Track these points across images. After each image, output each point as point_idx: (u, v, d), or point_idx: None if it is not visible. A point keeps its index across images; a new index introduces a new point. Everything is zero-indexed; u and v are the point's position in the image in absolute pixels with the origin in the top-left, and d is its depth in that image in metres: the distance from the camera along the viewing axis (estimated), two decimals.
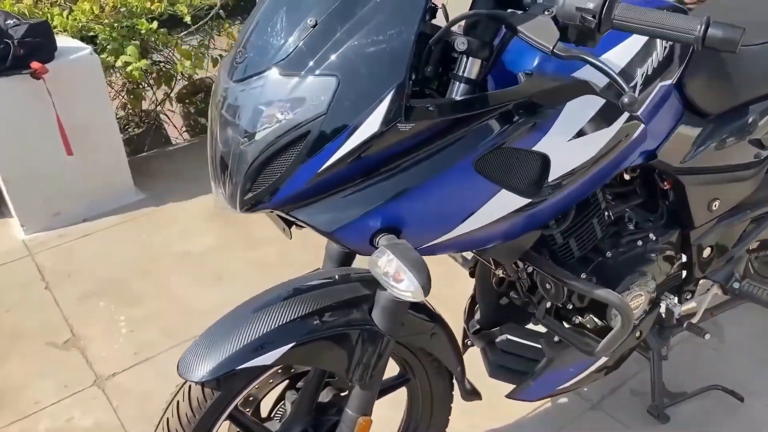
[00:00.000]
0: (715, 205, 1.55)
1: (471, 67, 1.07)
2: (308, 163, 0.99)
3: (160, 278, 2.65)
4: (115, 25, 3.29)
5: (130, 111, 3.82)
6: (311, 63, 0.98)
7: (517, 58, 1.13)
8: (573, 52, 0.98)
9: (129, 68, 3.22)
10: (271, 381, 1.38)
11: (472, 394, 1.51)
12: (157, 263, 2.75)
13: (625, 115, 1.19)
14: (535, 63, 1.12)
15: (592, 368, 1.57)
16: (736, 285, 1.64)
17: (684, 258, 1.61)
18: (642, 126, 1.24)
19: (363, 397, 1.27)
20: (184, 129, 4.10)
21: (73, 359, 2.26)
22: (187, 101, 4.00)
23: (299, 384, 1.41)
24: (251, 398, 1.38)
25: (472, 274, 1.62)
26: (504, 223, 1.14)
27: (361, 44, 0.97)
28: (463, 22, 1.10)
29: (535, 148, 1.11)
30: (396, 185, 1.04)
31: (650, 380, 1.81)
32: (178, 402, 1.21)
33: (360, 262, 1.38)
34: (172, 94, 3.90)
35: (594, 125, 1.15)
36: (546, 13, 1.00)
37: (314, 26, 0.99)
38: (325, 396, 1.42)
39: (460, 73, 1.07)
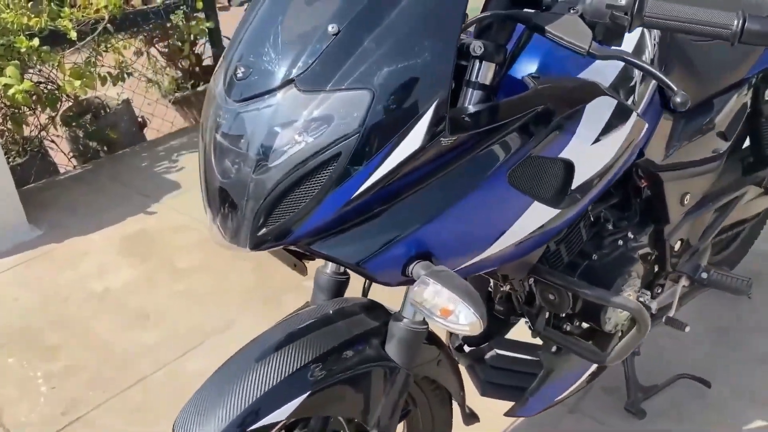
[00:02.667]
0: (687, 199, 1.56)
1: (485, 73, 0.99)
2: (339, 189, 0.87)
3: (77, 323, 2.37)
4: None
5: (9, 138, 3.43)
6: (337, 76, 0.86)
7: (519, 61, 1.07)
8: (611, 51, 0.93)
9: (11, 91, 2.88)
10: None
11: (471, 417, 1.43)
12: (70, 306, 2.46)
13: (634, 115, 1.16)
14: (537, 67, 1.07)
15: (586, 375, 1.54)
16: (704, 275, 1.67)
17: (656, 253, 1.62)
18: (646, 125, 1.21)
19: None
20: (72, 155, 3.74)
21: None
22: (74, 124, 3.65)
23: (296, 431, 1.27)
24: None
25: None
26: (531, 239, 1.07)
27: (396, 52, 0.86)
28: (473, 26, 1.02)
29: (561, 155, 1.04)
30: (428, 207, 0.94)
31: (624, 377, 1.81)
32: None
33: (351, 292, 1.28)
34: (57, 118, 3.55)
35: (610, 127, 1.11)
36: (571, 11, 0.94)
37: (336, 34, 0.86)
38: None
39: (474, 79, 0.99)
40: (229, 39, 3.75)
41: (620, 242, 1.48)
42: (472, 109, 0.96)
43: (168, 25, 3.74)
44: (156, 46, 3.95)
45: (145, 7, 3.62)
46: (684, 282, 1.73)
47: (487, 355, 1.54)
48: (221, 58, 0.99)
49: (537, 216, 1.04)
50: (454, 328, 0.91)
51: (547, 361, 1.45)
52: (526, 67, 1.09)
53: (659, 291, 1.69)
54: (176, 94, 4.03)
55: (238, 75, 0.91)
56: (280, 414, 1.02)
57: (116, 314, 2.41)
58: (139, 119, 3.98)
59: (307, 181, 0.87)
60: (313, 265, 1.24)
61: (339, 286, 1.25)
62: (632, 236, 1.51)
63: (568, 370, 1.49)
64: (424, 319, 1.10)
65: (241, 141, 0.90)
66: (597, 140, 1.08)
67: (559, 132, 1.03)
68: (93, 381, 2.11)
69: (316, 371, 1.05)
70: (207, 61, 4.11)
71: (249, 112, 0.89)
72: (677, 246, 1.64)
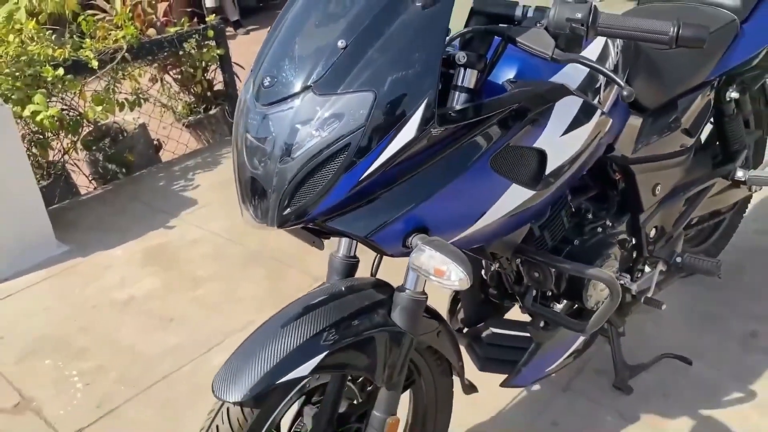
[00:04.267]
0: (658, 189, 1.74)
1: (469, 78, 1.18)
2: (349, 174, 1.06)
3: (105, 328, 2.56)
4: (17, 74, 3.17)
5: (34, 162, 3.64)
6: (346, 82, 1.06)
7: (500, 68, 1.26)
8: (569, 56, 1.12)
9: (39, 117, 3.10)
10: (290, 398, 1.40)
11: (471, 387, 1.60)
12: (98, 313, 2.65)
13: (598, 112, 1.35)
14: (515, 73, 1.26)
15: (572, 348, 1.71)
16: (678, 259, 1.85)
17: (633, 240, 1.80)
18: (611, 121, 1.40)
19: (389, 398, 1.33)
20: (92, 177, 3.95)
21: (30, 422, 2.13)
22: (94, 148, 3.87)
23: (314, 399, 1.45)
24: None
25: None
26: (511, 217, 1.26)
27: (393, 60, 1.06)
28: (458, 39, 1.22)
29: (535, 145, 1.23)
30: (424, 188, 1.13)
31: (611, 357, 1.98)
32: (217, 426, 1.21)
33: (361, 273, 1.46)
34: (78, 142, 3.77)
35: (577, 122, 1.30)
36: (538, 25, 1.14)
37: (344, 48, 1.06)
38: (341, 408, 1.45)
39: (460, 83, 1.18)
40: (238, 65, 3.98)
41: (599, 229, 1.66)
42: (458, 107, 1.15)
43: (181, 53, 3.97)
44: (170, 73, 4.18)
45: (160, 36, 3.85)
46: (661, 266, 1.90)
47: (483, 334, 1.71)
48: (249, 72, 1.19)
49: (516, 196, 1.23)
50: (447, 284, 1.09)
51: (536, 336, 1.63)
52: (506, 73, 1.29)
53: (639, 275, 1.87)
54: (189, 118, 4.25)
55: (265, 84, 1.11)
56: (304, 370, 1.19)
57: (141, 318, 2.59)
58: (155, 142, 4.20)
59: (322, 168, 1.07)
60: (326, 252, 1.42)
61: (350, 268, 1.43)
62: (610, 224, 1.69)
63: (557, 343, 1.66)
64: (423, 290, 1.29)
65: (269, 138, 1.09)
66: (566, 132, 1.28)
67: (533, 125, 1.22)
68: (123, 378, 2.28)
69: (332, 335, 1.23)
70: (218, 86, 4.34)
71: (275, 113, 1.09)
72: (652, 233, 1.82)
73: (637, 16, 1.90)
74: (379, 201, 1.11)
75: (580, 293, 1.57)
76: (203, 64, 4.11)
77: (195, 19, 4.35)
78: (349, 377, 1.43)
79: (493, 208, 1.21)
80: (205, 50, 4.03)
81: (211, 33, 3.99)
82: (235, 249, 3.01)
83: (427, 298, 1.30)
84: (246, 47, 4.43)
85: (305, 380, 1.31)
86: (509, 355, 1.68)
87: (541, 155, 1.25)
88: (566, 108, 1.28)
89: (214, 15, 4.33)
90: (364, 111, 1.05)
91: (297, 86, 1.08)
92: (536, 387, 2.04)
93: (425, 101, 1.06)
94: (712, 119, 1.98)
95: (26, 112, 3.10)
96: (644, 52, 1.62)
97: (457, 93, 1.19)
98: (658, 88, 1.66)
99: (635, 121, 1.59)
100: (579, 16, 1.10)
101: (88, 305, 2.70)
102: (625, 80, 1.51)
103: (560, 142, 1.28)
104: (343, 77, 1.06)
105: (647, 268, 1.88)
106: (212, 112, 4.27)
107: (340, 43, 1.07)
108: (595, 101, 1.37)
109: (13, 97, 3.10)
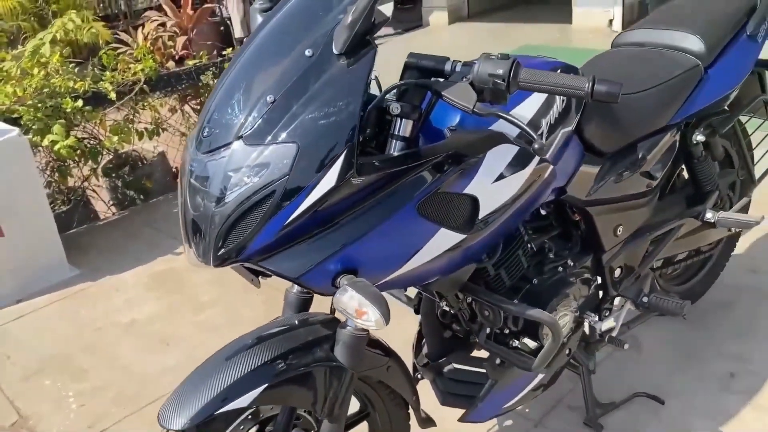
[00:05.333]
0: (620, 230, 1.78)
1: (405, 127, 1.25)
2: (275, 218, 1.14)
3: (106, 349, 2.67)
4: (39, 105, 3.35)
5: (56, 188, 3.82)
6: (273, 133, 1.14)
7: (442, 117, 1.33)
8: (489, 110, 1.19)
9: (56, 147, 3.27)
10: (241, 427, 1.47)
11: (427, 421, 1.65)
12: (101, 335, 2.77)
13: (536, 158, 1.40)
14: (458, 120, 1.33)
15: (531, 385, 1.74)
16: (645, 299, 1.87)
17: (599, 279, 1.83)
18: (551, 167, 1.45)
19: (333, 430, 1.39)
20: (111, 203, 4.12)
21: None
22: (113, 175, 4.04)
23: (268, 428, 1.51)
24: None
25: (417, 311, 1.77)
26: (444, 258, 1.31)
27: (316, 115, 1.14)
28: (394, 91, 1.29)
29: (465, 191, 1.29)
30: (352, 231, 1.20)
31: (582, 394, 1.99)
32: None
33: (316, 308, 1.53)
34: (98, 170, 3.94)
35: (511, 169, 1.35)
36: (464, 79, 1.21)
37: (273, 102, 1.15)
38: None
39: (396, 132, 1.25)
40: None
41: (560, 268, 1.70)
42: (381, 156, 1.22)
43: (199, 84, 4.13)
44: (188, 103, 4.34)
45: (178, 69, 4.02)
46: (629, 306, 1.92)
47: (445, 369, 1.76)
48: (198, 120, 1.28)
49: (445, 240, 1.29)
50: (367, 325, 1.16)
51: (492, 372, 1.66)
52: (449, 121, 1.35)
53: (607, 314, 1.89)
54: None
55: (205, 133, 1.20)
56: (243, 401, 1.26)
57: (141, 341, 2.70)
58: (174, 170, 4.35)
59: (252, 212, 1.15)
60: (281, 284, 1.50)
61: (304, 303, 1.50)
62: (572, 263, 1.72)
63: (514, 380, 1.69)
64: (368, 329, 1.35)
65: (206, 183, 1.18)
66: (498, 179, 1.33)
67: (463, 172, 1.28)
68: (117, 398, 2.38)
69: (274, 368, 1.30)
70: None
71: (211, 161, 1.18)
72: (617, 272, 1.85)
73: (601, 61, 1.97)
74: (310, 242, 1.18)
75: (536, 331, 1.61)
76: None
77: (215, 52, 4.51)
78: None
79: (423, 250, 1.27)
80: None
81: (227, 65, 4.12)
82: (236, 275, 3.10)
83: (368, 334, 1.36)
84: None
85: (248, 411, 1.37)
86: (468, 390, 1.72)
87: (473, 201, 1.31)
88: (500, 155, 1.33)
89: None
90: (288, 161, 1.13)
91: (231, 136, 1.17)
92: (508, 422, 2.07)
93: (344, 153, 1.13)
94: (683, 162, 2.01)
95: (45, 142, 3.27)
96: None
97: (394, 141, 1.25)
98: (616, 132, 1.70)
99: (590, 167, 1.64)
100: (500, 72, 1.16)
101: (93, 327, 2.83)
102: (576, 126, 1.56)
103: (492, 189, 1.33)
104: (270, 129, 1.14)
105: (615, 308, 1.90)
106: None
107: (269, 98, 1.16)
108: (535, 147, 1.42)
109: (33, 127, 3.28)
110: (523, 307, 1.50)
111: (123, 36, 4.14)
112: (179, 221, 1.28)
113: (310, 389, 1.33)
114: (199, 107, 4.37)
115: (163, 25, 5.76)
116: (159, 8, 6.53)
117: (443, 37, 7.33)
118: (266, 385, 1.28)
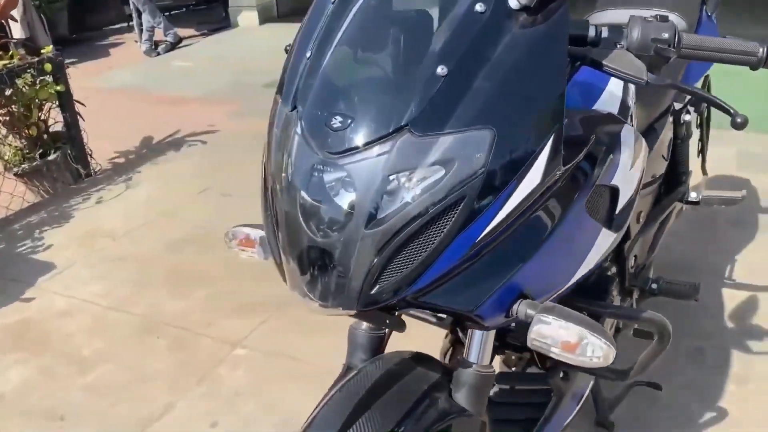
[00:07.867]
0: (641, 217, 1.69)
1: None
2: (465, 233, 0.84)
3: None
4: None
5: None
6: (453, 118, 0.83)
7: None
8: (665, 81, 0.99)
9: None
10: None
11: None
12: None
13: (641, 138, 1.24)
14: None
15: (584, 396, 1.58)
16: (654, 286, 1.81)
17: (615, 270, 1.73)
18: (645, 147, 1.30)
19: None
20: None
21: None
22: None
23: None
24: None
25: (453, 331, 1.52)
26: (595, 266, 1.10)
27: (509, 89, 0.85)
28: None
29: (612, 182, 1.09)
30: (526, 245, 0.93)
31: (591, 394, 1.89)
32: None
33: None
34: None
35: (637, 152, 1.18)
36: (618, 46, 1.00)
37: (445, 75, 0.83)
38: None
39: None
40: (80, 103, 3.49)
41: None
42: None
43: (9, 91, 3.37)
44: None
45: None
46: (635, 294, 1.85)
47: (492, 392, 1.53)
48: (279, 102, 0.91)
49: (605, 241, 1.08)
50: (582, 361, 0.90)
51: (557, 387, 1.48)
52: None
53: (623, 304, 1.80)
54: (23, 166, 3.62)
55: (335, 125, 0.84)
56: None
57: (20, 420, 2.07)
58: None
59: (427, 229, 0.83)
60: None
61: (378, 343, 1.19)
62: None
63: (574, 394, 1.52)
64: (491, 362, 1.09)
65: (345, 195, 0.83)
66: (633, 165, 1.15)
67: (612, 158, 1.08)
68: None
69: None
70: (56, 127, 3.75)
71: (354, 164, 0.83)
72: (631, 262, 1.77)
73: None
74: (481, 265, 0.89)
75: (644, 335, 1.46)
76: (38, 102, 3.53)
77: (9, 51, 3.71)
78: None
79: (588, 257, 1.04)
80: (39, 87, 3.46)
81: (48, 67, 3.44)
82: (119, 318, 2.55)
83: (494, 371, 1.09)
84: (75, 82, 3.86)
85: None
86: (524, 413, 1.51)
87: (615, 193, 1.11)
88: (628, 138, 1.15)
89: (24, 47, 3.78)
90: (481, 154, 0.83)
91: (387, 126, 0.83)
92: None
93: (553, 136, 0.87)
94: None
95: None
96: None
97: None
98: (644, 111, 1.61)
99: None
100: (665, 36, 0.98)
101: None
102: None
103: (630, 176, 1.15)
104: (448, 112, 0.84)
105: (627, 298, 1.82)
106: (51, 157, 3.68)
107: (440, 70, 0.84)
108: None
109: None
110: (632, 311, 1.34)
111: None
112: (274, 251, 0.91)
113: None
114: (8, 118, 3.57)
115: None
116: None
117: (257, 36, 6.94)
118: None
